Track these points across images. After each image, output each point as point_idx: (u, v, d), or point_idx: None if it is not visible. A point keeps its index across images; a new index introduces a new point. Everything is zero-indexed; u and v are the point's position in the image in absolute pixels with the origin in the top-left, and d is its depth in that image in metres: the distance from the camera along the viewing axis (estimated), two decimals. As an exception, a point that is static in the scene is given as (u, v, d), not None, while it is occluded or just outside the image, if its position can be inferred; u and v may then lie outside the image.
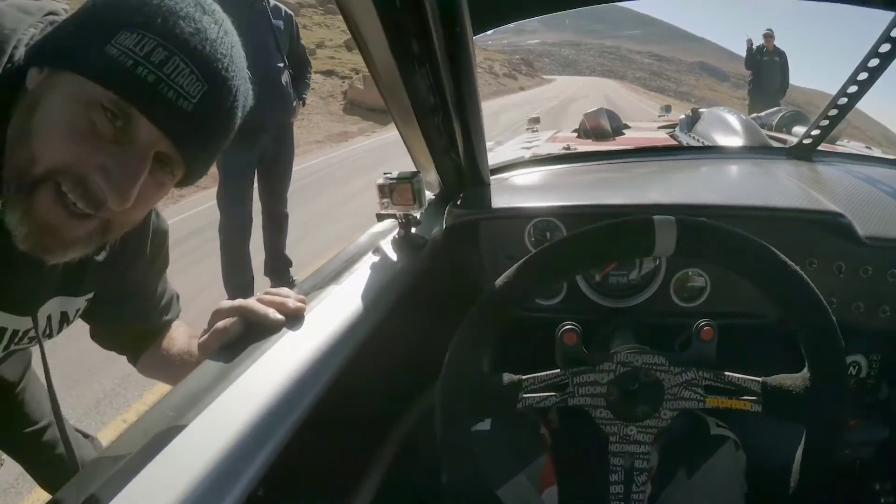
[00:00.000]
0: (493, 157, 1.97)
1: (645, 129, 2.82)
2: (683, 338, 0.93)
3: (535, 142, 2.48)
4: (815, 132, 1.68)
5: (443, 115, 1.04)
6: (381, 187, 1.18)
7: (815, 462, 0.81)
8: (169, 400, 0.73)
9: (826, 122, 1.63)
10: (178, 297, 1.20)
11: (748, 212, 1.24)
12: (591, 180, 1.50)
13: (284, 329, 0.89)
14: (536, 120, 3.25)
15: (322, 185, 7.98)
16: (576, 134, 2.60)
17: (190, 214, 6.43)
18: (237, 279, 3.88)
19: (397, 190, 1.17)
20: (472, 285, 1.36)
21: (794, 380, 0.80)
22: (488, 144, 2.65)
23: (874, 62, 1.39)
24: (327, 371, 0.87)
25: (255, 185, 4.02)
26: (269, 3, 3.73)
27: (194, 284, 4.09)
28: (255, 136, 3.77)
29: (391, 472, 1.19)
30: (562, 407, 0.86)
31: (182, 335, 1.14)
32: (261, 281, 4.04)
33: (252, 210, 3.96)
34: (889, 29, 1.28)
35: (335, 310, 0.99)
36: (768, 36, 10.58)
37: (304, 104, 4.25)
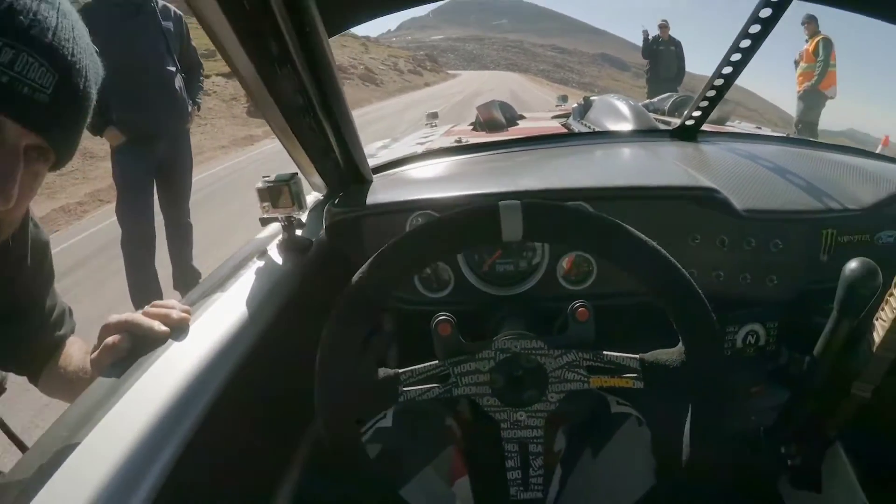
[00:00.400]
0: (389, 154, 1.96)
1: (539, 119, 2.86)
2: (561, 321, 0.94)
3: (430, 137, 2.48)
4: (696, 113, 1.74)
5: (312, 115, 1.03)
6: (260, 191, 1.17)
7: (703, 433, 0.83)
8: (63, 420, 0.73)
9: (706, 103, 1.68)
10: (70, 312, 1.15)
11: (623, 192, 1.27)
12: (476, 171, 1.51)
13: (170, 340, 0.89)
14: (435, 115, 3.26)
15: (228, 193, 7.75)
16: (472, 127, 2.61)
17: (93, 231, 6.15)
18: (145, 295, 3.69)
19: (276, 193, 1.16)
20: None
21: (670, 354, 0.82)
22: (384, 141, 2.66)
23: (745, 43, 1.43)
24: (216, 378, 0.87)
25: (156, 196, 3.88)
26: (157, 3, 3.58)
27: (101, 305, 3.97)
28: (150, 145, 3.66)
29: (307, 474, 1.19)
30: (464, 397, 0.87)
31: (78, 351, 1.11)
32: (171, 295, 3.87)
33: (154, 222, 3.81)
34: (757, 10, 1.32)
35: (221, 317, 0.99)
36: (663, 26, 11.02)
37: (198, 108, 4.12)
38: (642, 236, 0.81)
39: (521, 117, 2.89)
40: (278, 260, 1.21)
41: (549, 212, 0.83)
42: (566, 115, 2.88)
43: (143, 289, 3.73)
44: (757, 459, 1.37)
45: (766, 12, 1.33)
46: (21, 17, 0.65)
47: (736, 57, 1.49)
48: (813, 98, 8.79)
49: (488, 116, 2.40)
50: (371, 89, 27.13)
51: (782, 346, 1.41)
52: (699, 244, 1.31)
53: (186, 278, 4.06)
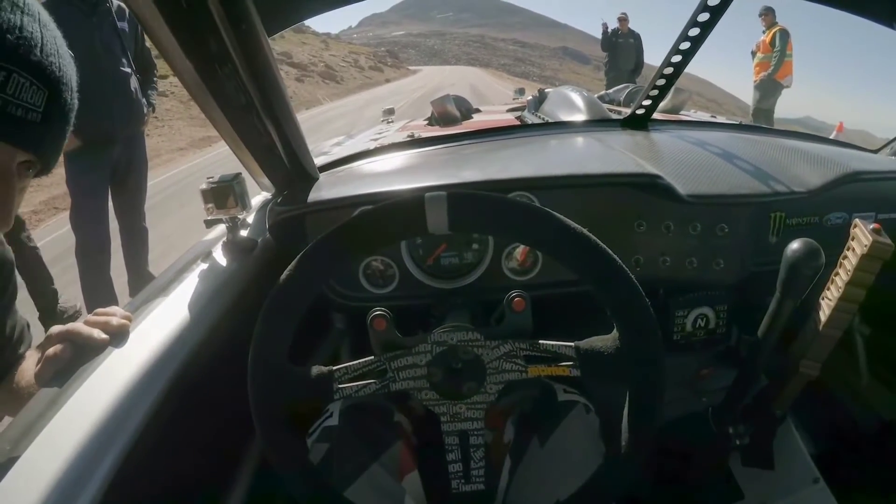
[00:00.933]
0: (343, 150, 1.94)
1: (495, 112, 2.87)
2: (499, 312, 0.95)
3: (385, 133, 2.47)
4: (646, 102, 1.76)
5: (254, 114, 1.03)
6: (204, 192, 1.17)
7: (641, 417, 0.83)
8: (5, 434, 0.72)
9: (655, 92, 1.70)
10: (28, 326, 1.13)
11: (566, 181, 1.27)
12: (424, 164, 1.51)
13: (111, 347, 0.89)
14: (391, 111, 3.25)
15: (187, 195, 7.61)
16: (427, 122, 2.60)
17: (49, 240, 5.93)
18: (100, 304, 3.58)
19: (220, 194, 1.15)
20: None
21: (605, 342, 0.82)
22: (339, 138, 2.64)
23: (694, 31, 1.44)
24: (158, 383, 0.87)
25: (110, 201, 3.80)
26: (112, 4, 3.48)
27: None
28: (105, 149, 3.57)
29: (255, 478, 1.19)
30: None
31: (31, 366, 1.09)
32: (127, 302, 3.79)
33: (109, 228, 3.74)
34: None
35: (163, 322, 0.98)
36: (623, 19, 11.21)
37: (153, 110, 4.03)
38: (571, 223, 0.80)
39: (477, 111, 2.89)
40: (223, 261, 1.20)
41: (475, 202, 0.81)
42: (522, 108, 2.89)
43: (99, 297, 3.65)
44: (707, 440, 1.39)
45: (713, 1, 1.33)
46: (8, 36, 0.64)
47: (685, 45, 1.50)
48: (769, 87, 8.96)
49: (442, 111, 2.39)
50: (332, 86, 26.99)
51: (733, 328, 1.43)
52: (645, 230, 1.33)
53: (142, 285, 3.89)
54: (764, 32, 8.79)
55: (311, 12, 1.11)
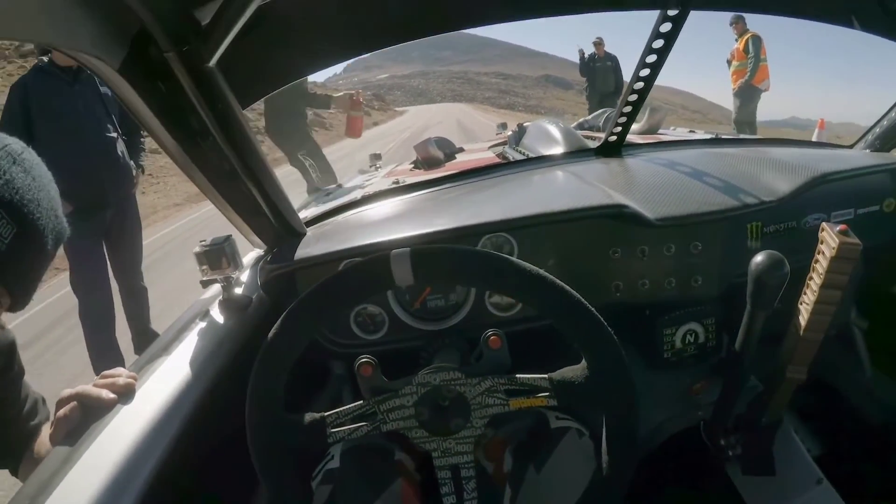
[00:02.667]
0: (333, 200, 1.99)
1: (477, 151, 2.91)
2: (478, 350, 1.00)
3: (372, 180, 2.52)
4: (616, 129, 1.80)
5: (237, 180, 1.09)
6: (198, 255, 1.22)
7: (617, 440, 0.87)
8: (22, 492, 0.77)
9: (623, 119, 1.75)
10: (44, 401, 1.19)
11: (538, 219, 1.31)
12: (406, 213, 1.55)
13: (119, 405, 0.94)
14: (378, 156, 3.31)
15: (184, 252, 7.65)
16: (412, 166, 2.64)
17: (53, 300, 6.00)
18: (106, 364, 3.52)
19: (212, 256, 1.20)
20: None
21: (576, 371, 0.87)
22: (329, 188, 2.69)
23: (651, 58, 1.50)
24: (163, 440, 0.92)
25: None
26: None
27: (65, 374, 3.95)
28: (97, 214, 3.63)
29: None
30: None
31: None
32: (132, 359, 3.78)
33: (111, 290, 3.81)
34: (657, 26, 1.38)
35: (166, 381, 1.03)
36: (598, 43, 11.38)
37: (142, 171, 4.07)
38: (528, 267, 0.86)
39: (460, 150, 2.93)
40: (220, 319, 1.25)
41: (435, 256, 0.88)
42: (504, 143, 2.93)
43: (105, 358, 3.68)
44: (701, 454, 1.41)
45: (665, 27, 1.39)
46: None
47: (644, 72, 1.55)
48: (748, 93, 9.15)
49: (426, 154, 2.45)
50: (321, 134, 27.07)
51: (724, 340, 1.46)
52: (621, 256, 1.37)
53: (144, 341, 3.98)
54: (736, 40, 9.02)
55: (280, 84, 1.18)
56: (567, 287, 0.86)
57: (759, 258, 1.10)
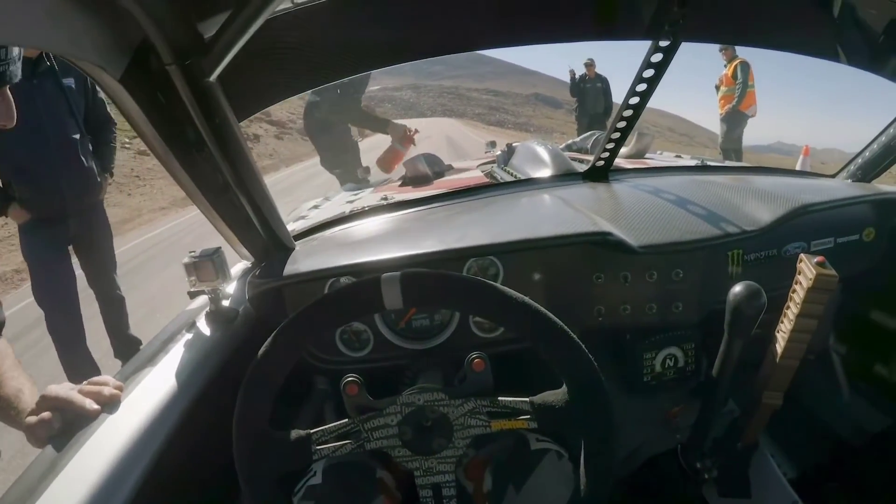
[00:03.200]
0: (320, 214, 2.00)
1: (466, 170, 2.92)
2: (462, 372, 1.02)
3: (360, 194, 2.53)
4: (604, 154, 1.83)
5: (230, 193, 1.11)
6: (186, 266, 1.22)
7: (594, 466, 0.89)
8: (5, 499, 0.78)
9: (612, 145, 1.78)
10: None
11: (522, 245, 1.33)
12: (394, 232, 1.56)
13: (104, 414, 0.95)
14: (367, 170, 3.33)
15: (168, 256, 7.62)
16: (400, 182, 2.65)
17: (31, 301, 5.91)
18: (79, 373, 3.47)
19: (201, 267, 1.21)
20: None
21: (556, 395, 0.90)
22: (317, 201, 2.70)
23: (641, 87, 1.53)
24: (148, 451, 0.93)
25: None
26: (54, 59, 3.15)
27: (44, 375, 3.75)
28: (59, 224, 3.36)
29: None
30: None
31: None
32: (112, 364, 3.77)
33: (77, 301, 3.54)
34: (648, 56, 1.42)
35: (152, 392, 1.04)
36: (589, 65, 11.46)
37: (111, 176, 3.69)
38: (510, 293, 0.89)
39: (449, 168, 2.95)
40: (206, 331, 1.26)
41: (424, 280, 0.90)
42: (493, 162, 2.95)
43: (77, 367, 3.53)
44: (677, 477, 1.44)
45: (657, 57, 1.42)
46: None
47: (634, 100, 1.58)
48: (735, 119, 9.30)
49: (414, 172, 2.46)
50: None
51: (702, 365, 1.49)
52: (604, 282, 1.39)
53: (126, 348, 3.85)
54: (725, 66, 9.15)
55: (277, 99, 1.20)
56: (549, 314, 0.89)
57: (737, 288, 1.13)
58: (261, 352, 0.90)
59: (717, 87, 9.50)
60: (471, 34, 1.29)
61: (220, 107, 0.93)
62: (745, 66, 8.97)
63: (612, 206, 1.61)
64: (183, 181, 1.05)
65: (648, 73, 1.48)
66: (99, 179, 3.49)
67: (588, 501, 0.89)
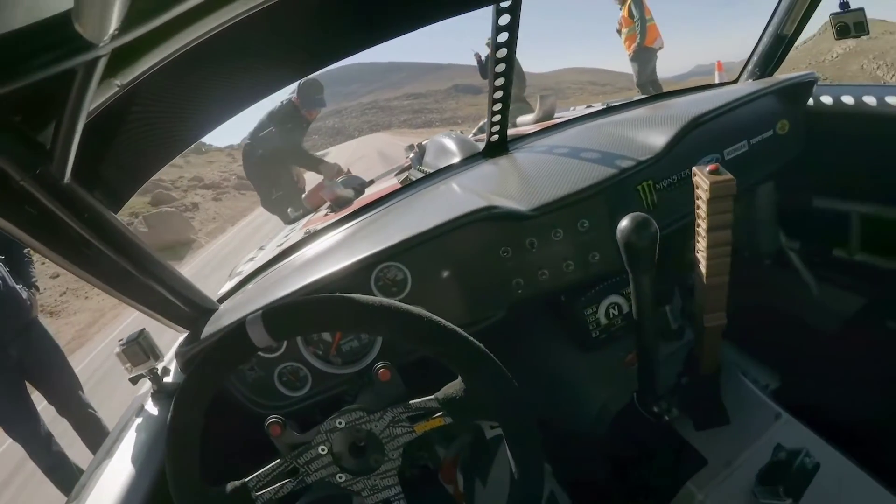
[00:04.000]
0: (253, 266, 2.00)
1: (384, 180, 2.95)
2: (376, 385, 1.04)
3: (290, 234, 2.54)
4: (495, 128, 1.86)
5: (133, 278, 1.12)
6: (118, 355, 1.24)
7: (517, 445, 0.91)
8: None
9: (498, 118, 1.81)
10: None
11: (409, 243, 1.34)
12: (310, 261, 1.56)
13: None
14: (297, 209, 3.33)
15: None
16: (327, 211, 2.67)
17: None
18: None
19: (130, 353, 1.23)
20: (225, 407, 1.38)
21: (455, 387, 0.92)
22: (252, 254, 2.70)
23: (502, 52, 1.55)
24: None
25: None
26: None
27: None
28: None
29: None
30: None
31: None
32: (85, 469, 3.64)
33: (42, 425, 3.44)
34: (495, 20, 1.44)
35: (113, 482, 1.07)
36: (489, 44, 11.48)
37: (38, 291, 3.59)
38: (369, 299, 0.89)
39: (370, 183, 2.98)
40: (154, 412, 1.27)
41: (284, 312, 0.92)
42: (410, 167, 2.95)
43: (68, 485, 3.39)
44: (642, 425, 1.43)
45: (504, 19, 1.44)
46: None
47: (500, 67, 1.61)
48: (644, 56, 9.41)
49: (333, 197, 2.49)
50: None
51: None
52: (511, 254, 1.40)
53: None
54: (620, 8, 9.32)
55: (148, 176, 1.21)
56: (413, 308, 0.89)
57: (623, 223, 1.12)
58: (168, 422, 0.92)
59: (619, 31, 9.61)
60: (326, 48, 1.30)
61: (87, 203, 0.95)
62: (639, 2, 9.09)
63: (507, 177, 1.63)
64: (86, 278, 1.06)
65: (502, 37, 1.49)
66: (26, 297, 3.37)
67: (524, 480, 0.91)
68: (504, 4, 1.39)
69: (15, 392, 3.34)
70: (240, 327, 0.91)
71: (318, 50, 1.29)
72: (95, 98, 0.78)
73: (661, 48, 9.51)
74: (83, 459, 3.59)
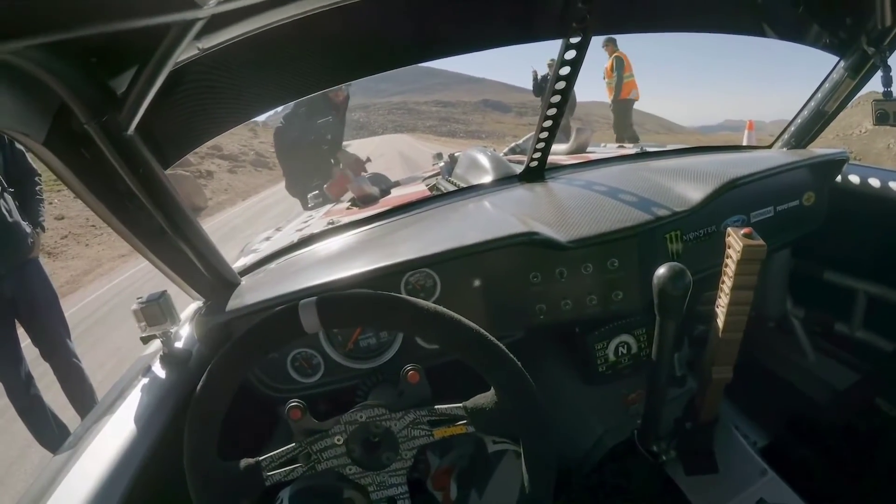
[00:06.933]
0: (271, 245, 2.01)
1: (411, 184, 2.95)
2: (400, 387, 1.04)
3: (309, 221, 2.55)
4: (536, 155, 1.87)
5: (166, 237, 1.13)
6: (135, 313, 1.23)
7: (534, 463, 0.92)
8: None
9: (542, 145, 1.82)
10: None
11: (446, 255, 1.34)
12: (336, 254, 1.57)
13: (65, 469, 0.97)
14: (317, 196, 3.34)
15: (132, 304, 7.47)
16: (349, 205, 2.69)
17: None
18: (48, 437, 3.41)
19: (148, 312, 1.22)
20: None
21: (486, 398, 0.92)
22: (268, 233, 2.71)
23: (560, 85, 1.56)
24: (112, 499, 0.94)
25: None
26: None
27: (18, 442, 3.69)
28: None
29: None
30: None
31: None
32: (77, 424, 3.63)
33: (24, 364, 3.37)
34: (561, 53, 1.45)
35: (112, 440, 1.05)
36: (551, 65, 11.66)
37: (42, 230, 3.47)
38: (422, 303, 0.91)
39: (396, 185, 2.99)
40: (161, 374, 1.27)
41: (339, 303, 0.93)
42: (438, 175, 2.99)
43: (44, 435, 3.42)
44: (638, 462, 1.46)
45: (570, 54, 1.45)
46: None
47: (556, 98, 1.61)
48: (620, 107, 10.66)
49: (360, 193, 2.50)
50: (264, 174, 26.93)
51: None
52: (540, 280, 1.42)
53: None
54: (608, 57, 10.43)
55: (198, 143, 1.22)
56: (464, 320, 0.91)
57: (660, 271, 1.14)
58: (198, 388, 0.92)
59: (604, 79, 10.68)
60: (395, 52, 1.32)
61: (142, 158, 0.96)
62: (620, 59, 10.33)
63: (544, 205, 1.64)
64: (119, 231, 1.07)
65: (564, 70, 1.51)
66: (28, 235, 3.29)
67: (534, 498, 0.92)
68: (574, 40, 1.41)
69: (2, 327, 3.29)
70: (292, 309, 0.92)
71: (377, 56, 1.32)
72: (175, 56, 0.78)
73: (637, 99, 10.75)
74: (59, 407, 3.59)
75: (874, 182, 1.72)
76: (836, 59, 1.67)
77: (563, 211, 1.49)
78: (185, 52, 0.82)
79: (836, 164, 1.74)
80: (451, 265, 1.37)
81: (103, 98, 0.84)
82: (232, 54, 0.98)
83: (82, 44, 0.75)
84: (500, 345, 0.90)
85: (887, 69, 1.55)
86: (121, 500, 0.95)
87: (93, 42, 0.71)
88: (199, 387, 0.92)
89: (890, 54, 1.54)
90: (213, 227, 11.70)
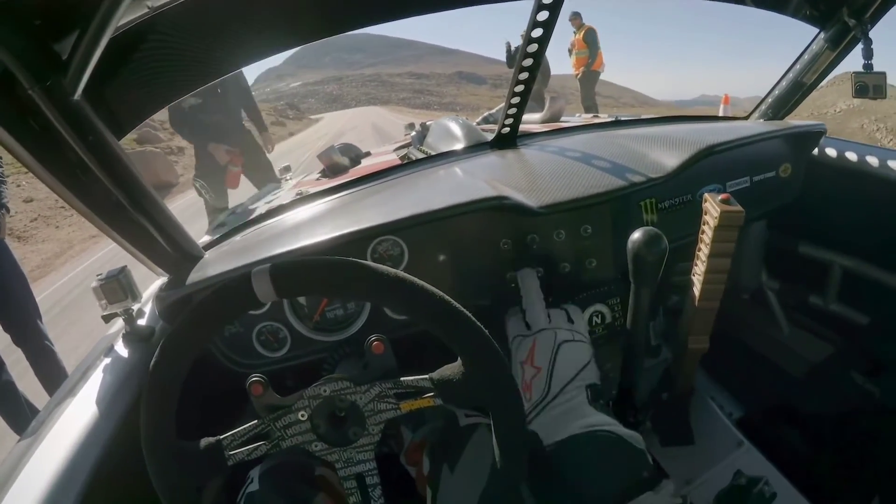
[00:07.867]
0: (238, 219, 1.97)
1: (382, 154, 2.91)
2: (365, 358, 1.01)
3: (279, 193, 2.51)
4: (508, 121, 1.84)
5: (125, 211, 1.08)
6: (95, 290, 1.20)
7: (505, 436, 0.89)
8: None
9: (514, 110, 1.79)
10: None
11: (414, 220, 1.30)
12: (303, 223, 1.52)
13: (28, 453, 0.96)
14: (287, 168, 3.28)
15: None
16: (319, 176, 2.63)
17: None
18: (18, 424, 3.38)
19: (108, 289, 1.19)
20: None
21: (452, 369, 0.89)
22: (234, 206, 2.65)
23: (532, 48, 1.53)
24: (77, 481, 0.93)
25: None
26: None
27: None
28: None
29: None
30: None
31: None
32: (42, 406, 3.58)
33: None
34: (533, 15, 1.41)
35: (76, 421, 1.03)
36: (524, 36, 11.75)
37: (8, 212, 3.42)
38: (387, 269, 0.86)
39: (366, 154, 2.94)
40: (124, 353, 1.24)
41: (294, 269, 0.87)
42: (409, 144, 2.92)
43: (18, 417, 3.37)
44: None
45: (542, 15, 1.41)
46: None
47: (528, 62, 1.58)
48: (589, 78, 10.99)
49: (329, 162, 2.45)
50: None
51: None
52: (511, 248, 1.40)
53: None
54: (575, 33, 10.81)
55: (152, 110, 1.17)
56: (426, 285, 0.86)
57: (635, 235, 1.13)
58: (151, 364, 0.88)
59: (570, 51, 10.99)
60: (340, 16, 1.27)
61: (92, 125, 0.91)
62: (593, 31, 10.64)
63: (515, 170, 1.62)
64: (75, 205, 1.03)
65: (537, 32, 1.47)
66: None
67: (506, 472, 0.90)
68: (546, 1, 1.37)
69: None
70: (244, 278, 0.86)
71: (342, 14, 1.27)
72: (124, 16, 0.74)
73: (602, 72, 11.16)
74: (32, 393, 3.54)
75: (851, 156, 1.73)
76: (817, 30, 1.67)
77: (534, 176, 1.47)
78: (133, 10, 0.78)
79: (813, 135, 1.74)
80: (418, 232, 1.34)
81: (48, 62, 0.79)
82: (184, 15, 0.94)
83: (25, 3, 0.71)
84: (466, 312, 0.86)
85: (868, 42, 1.56)
86: (85, 483, 0.93)
87: (36, 3, 0.67)
88: (151, 364, 0.88)
89: (871, 27, 1.54)
90: (184, 203, 11.54)
